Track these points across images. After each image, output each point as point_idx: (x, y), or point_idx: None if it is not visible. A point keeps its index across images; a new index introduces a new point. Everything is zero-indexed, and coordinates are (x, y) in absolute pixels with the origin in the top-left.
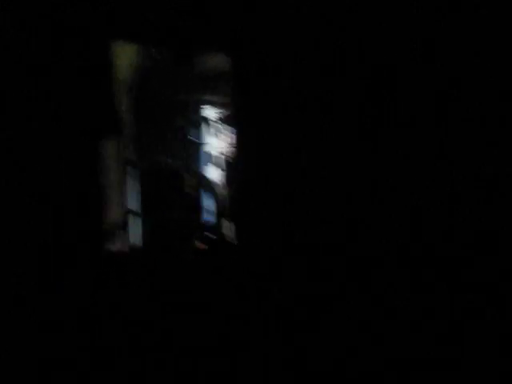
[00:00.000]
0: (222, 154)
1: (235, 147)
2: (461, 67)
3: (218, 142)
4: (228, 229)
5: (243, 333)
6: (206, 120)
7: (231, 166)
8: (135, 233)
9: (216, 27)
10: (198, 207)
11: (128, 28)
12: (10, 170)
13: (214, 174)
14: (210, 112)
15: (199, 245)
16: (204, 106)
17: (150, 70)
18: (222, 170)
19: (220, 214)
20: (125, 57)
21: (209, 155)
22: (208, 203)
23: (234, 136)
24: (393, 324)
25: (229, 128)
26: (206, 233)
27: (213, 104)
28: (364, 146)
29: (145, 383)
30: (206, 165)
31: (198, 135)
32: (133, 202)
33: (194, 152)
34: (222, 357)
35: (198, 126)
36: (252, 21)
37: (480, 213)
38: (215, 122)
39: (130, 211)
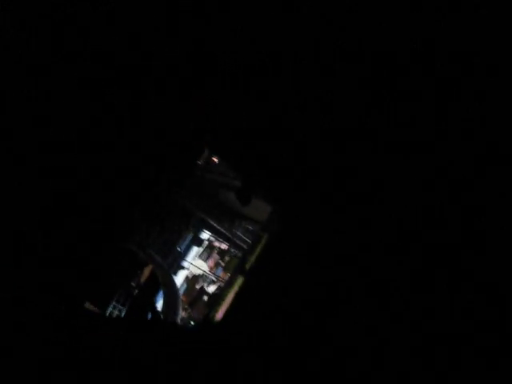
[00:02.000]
0: (196, 275)
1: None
2: (461, 67)
3: (199, 262)
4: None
5: (249, 336)
6: (201, 242)
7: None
8: None
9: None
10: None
11: (128, 28)
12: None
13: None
14: (210, 238)
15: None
16: (207, 231)
17: (201, 173)
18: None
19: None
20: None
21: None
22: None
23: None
24: (393, 324)
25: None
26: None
27: (220, 236)
28: (364, 146)
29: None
30: (176, 273)
31: (186, 249)
32: None
33: (174, 259)
34: (227, 360)
35: (195, 244)
36: None
37: (480, 213)
38: (207, 247)
39: None
